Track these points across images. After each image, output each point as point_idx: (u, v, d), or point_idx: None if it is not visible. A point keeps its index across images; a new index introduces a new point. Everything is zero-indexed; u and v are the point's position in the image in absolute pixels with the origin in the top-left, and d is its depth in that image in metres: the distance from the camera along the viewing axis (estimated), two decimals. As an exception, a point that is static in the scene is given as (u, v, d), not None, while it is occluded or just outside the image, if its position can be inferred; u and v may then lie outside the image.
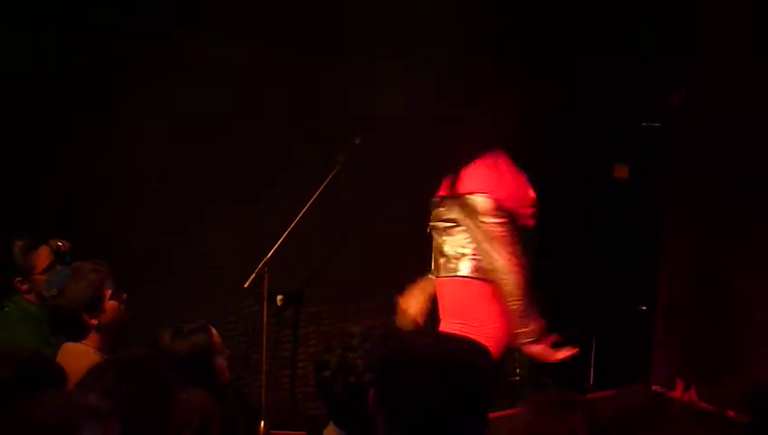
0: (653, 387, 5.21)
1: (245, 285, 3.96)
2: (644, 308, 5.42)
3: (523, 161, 4.41)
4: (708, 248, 4.84)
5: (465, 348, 1.71)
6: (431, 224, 3.85)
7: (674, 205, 5.14)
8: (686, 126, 5.02)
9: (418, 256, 5.06)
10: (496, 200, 3.68)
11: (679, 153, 5.10)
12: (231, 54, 4.29)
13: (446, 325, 3.68)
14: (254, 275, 3.95)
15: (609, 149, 5.32)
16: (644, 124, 5.30)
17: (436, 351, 1.68)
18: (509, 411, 4.78)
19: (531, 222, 3.90)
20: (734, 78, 4.64)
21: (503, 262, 3.65)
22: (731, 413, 4.75)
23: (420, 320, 3.88)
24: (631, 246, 5.35)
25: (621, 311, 5.40)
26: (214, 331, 3.02)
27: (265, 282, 3.96)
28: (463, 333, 3.36)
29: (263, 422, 4.00)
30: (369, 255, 4.89)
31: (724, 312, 4.77)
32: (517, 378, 5.62)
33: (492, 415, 4.48)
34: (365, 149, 4.21)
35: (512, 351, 5.60)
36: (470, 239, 3.69)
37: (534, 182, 4.16)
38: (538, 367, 5.59)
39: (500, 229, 3.68)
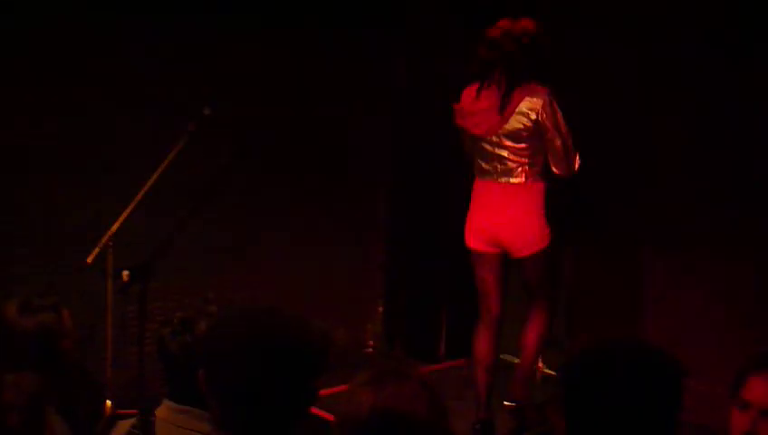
0: (501, 355, 5.36)
1: (89, 260, 3.80)
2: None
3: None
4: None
5: (286, 325, 1.70)
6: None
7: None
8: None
9: (272, 228, 5.04)
10: None
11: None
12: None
13: None
14: (97, 249, 3.80)
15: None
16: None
17: (256, 328, 1.66)
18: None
19: None
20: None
21: None
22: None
23: None
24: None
25: (471, 281, 5.52)
26: (65, 312, 2.89)
27: (110, 257, 3.81)
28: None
29: (108, 402, 3.86)
30: (221, 229, 4.82)
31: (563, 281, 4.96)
32: (370, 350, 5.67)
33: (339, 389, 4.46)
34: (215, 120, 4.09)
35: (364, 323, 5.67)
36: None
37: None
38: (390, 338, 5.67)
39: None
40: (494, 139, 4.07)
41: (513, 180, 4.08)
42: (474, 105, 4.11)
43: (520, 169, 4.06)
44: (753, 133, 4.28)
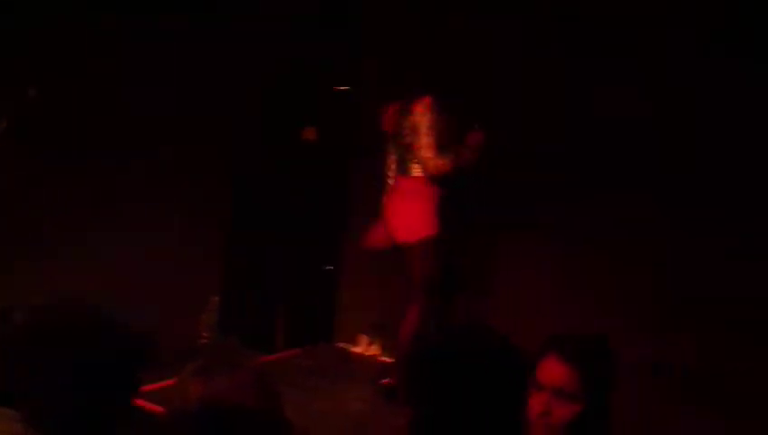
0: (337, 344, 5.42)
1: None
2: (330, 268, 5.59)
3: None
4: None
5: (103, 316, 1.65)
6: None
7: (357, 170, 5.32)
8: (375, 92, 5.21)
9: (101, 216, 4.85)
10: None
11: (366, 119, 5.27)
12: None
13: None
14: None
15: (302, 113, 5.39)
16: (335, 89, 5.44)
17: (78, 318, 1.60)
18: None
19: None
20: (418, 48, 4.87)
21: None
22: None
23: None
24: (320, 208, 5.48)
25: (308, 271, 5.53)
26: None
27: None
28: None
29: None
30: (46, 221, 4.60)
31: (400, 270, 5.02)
32: (205, 341, 5.57)
33: (171, 381, 4.32)
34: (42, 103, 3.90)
35: (198, 313, 5.56)
36: None
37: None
38: (224, 328, 5.58)
39: None
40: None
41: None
42: None
43: None
44: (593, 125, 4.47)
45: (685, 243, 4.24)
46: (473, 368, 1.66)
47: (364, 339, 5.40)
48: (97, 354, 1.57)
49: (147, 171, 5.02)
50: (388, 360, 5.17)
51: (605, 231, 4.46)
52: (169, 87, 4.99)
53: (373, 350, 5.36)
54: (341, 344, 5.38)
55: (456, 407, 1.66)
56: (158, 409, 4.12)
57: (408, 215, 4.40)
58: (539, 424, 2.19)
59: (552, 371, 2.22)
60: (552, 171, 4.54)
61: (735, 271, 4.09)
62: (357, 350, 5.41)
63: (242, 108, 5.45)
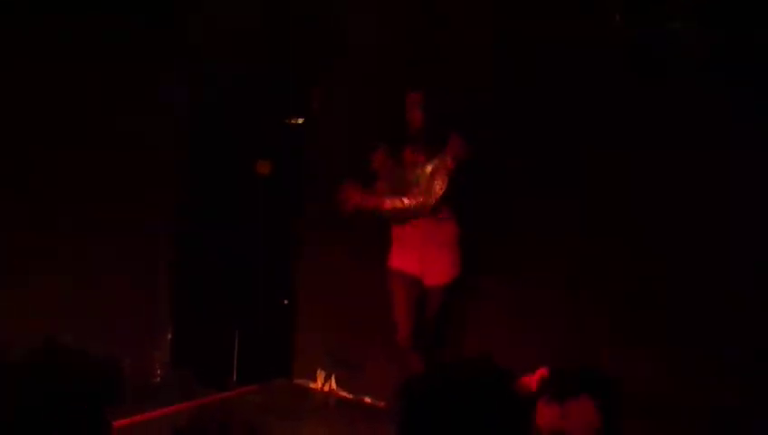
0: (295, 380, 5.32)
1: None
2: (285, 302, 5.50)
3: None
4: (340, 243, 5.02)
5: (68, 355, 1.59)
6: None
7: (311, 201, 5.27)
8: (325, 124, 5.18)
9: (48, 252, 4.72)
10: None
11: (319, 150, 5.24)
12: None
13: None
14: None
15: (254, 145, 5.33)
16: (288, 121, 5.40)
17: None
18: (147, 415, 4.62)
19: None
20: (369, 79, 4.86)
21: None
22: (367, 400, 4.98)
23: None
24: (273, 241, 5.41)
25: (264, 305, 5.44)
26: None
27: None
28: None
29: None
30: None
31: (357, 304, 4.97)
32: (158, 379, 5.46)
33: (132, 419, 4.21)
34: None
35: (151, 351, 5.43)
36: None
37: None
38: (178, 365, 5.47)
39: None
40: None
41: None
42: None
43: None
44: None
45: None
46: (475, 404, 1.60)
47: (322, 374, 5.31)
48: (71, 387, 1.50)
49: (91, 206, 4.93)
50: (345, 395, 5.09)
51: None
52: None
53: (331, 385, 5.28)
54: (298, 380, 5.28)
55: None
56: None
57: (438, 258, 4.42)
58: None
59: (547, 415, 2.23)
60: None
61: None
62: (314, 385, 5.32)
63: (191, 139, 5.39)
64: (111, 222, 5.02)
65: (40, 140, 4.70)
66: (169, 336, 5.54)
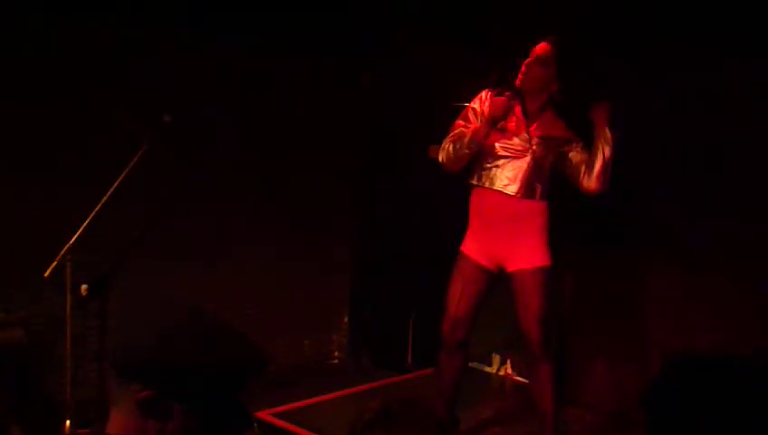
0: (470, 363, 5.31)
1: (46, 275, 3.67)
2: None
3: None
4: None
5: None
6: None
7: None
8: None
9: (235, 239, 4.94)
10: None
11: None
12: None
13: None
14: (54, 262, 3.66)
15: (417, 132, 5.35)
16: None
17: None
18: (331, 395, 4.74)
19: None
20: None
21: None
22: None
23: None
24: (444, 224, 5.41)
25: (437, 289, 5.45)
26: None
27: (68, 271, 3.68)
28: None
29: (68, 421, 3.73)
30: (179, 242, 4.70)
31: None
32: (336, 361, 5.59)
33: (311, 400, 4.33)
34: (176, 128, 3.98)
35: (329, 334, 5.57)
36: None
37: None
38: (356, 349, 5.58)
39: None
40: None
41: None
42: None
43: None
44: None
45: None
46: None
47: (497, 358, 5.29)
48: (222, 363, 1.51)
49: (283, 195, 5.13)
50: (521, 379, 5.05)
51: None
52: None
53: (506, 370, 5.25)
54: (474, 364, 5.27)
55: None
56: (299, 430, 4.15)
57: (525, 242, 3.92)
58: None
59: None
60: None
61: None
62: (490, 370, 5.30)
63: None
64: (298, 207, 5.24)
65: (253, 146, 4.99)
66: (346, 320, 5.67)
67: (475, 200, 4.05)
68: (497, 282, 4.04)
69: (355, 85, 5.49)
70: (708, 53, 4.10)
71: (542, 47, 3.86)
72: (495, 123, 3.88)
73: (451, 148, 3.95)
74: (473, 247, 4.03)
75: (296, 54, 5.05)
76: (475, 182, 4.02)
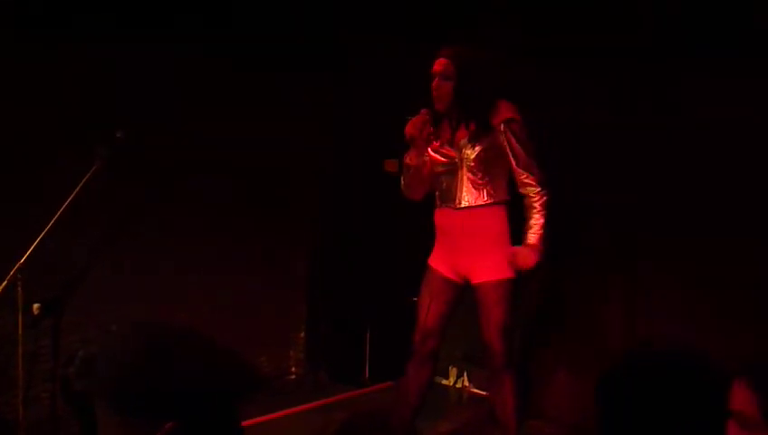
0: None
1: (-5, 294, 3.61)
2: (414, 299, 5.50)
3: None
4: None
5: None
6: None
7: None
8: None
9: (189, 255, 4.90)
10: None
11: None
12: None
13: None
14: (5, 282, 3.61)
15: (380, 144, 5.36)
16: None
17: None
18: (287, 411, 4.72)
19: None
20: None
21: None
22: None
23: None
24: (401, 238, 5.43)
25: (393, 303, 5.47)
26: None
27: (19, 289, 3.63)
28: None
29: (20, 442, 3.68)
30: (137, 258, 4.65)
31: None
32: (293, 377, 5.56)
33: (270, 416, 4.31)
34: (131, 144, 3.95)
35: (287, 349, 5.55)
36: None
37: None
38: (313, 365, 5.56)
39: None
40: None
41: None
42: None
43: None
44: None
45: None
46: (676, 391, 1.55)
47: (454, 371, 5.31)
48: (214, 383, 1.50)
49: (238, 208, 5.08)
50: (478, 391, 5.07)
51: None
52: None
53: (464, 382, 5.27)
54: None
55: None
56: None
57: (486, 255, 3.91)
58: None
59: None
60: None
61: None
62: (447, 382, 5.32)
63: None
64: (253, 221, 5.19)
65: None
66: (302, 335, 5.65)
67: (436, 218, 4.12)
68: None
69: (320, 98, 5.46)
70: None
71: (439, 63, 3.86)
72: (413, 142, 3.94)
73: (402, 178, 4.12)
74: (439, 261, 4.09)
75: (257, 62, 5.01)
76: (436, 202, 4.11)
